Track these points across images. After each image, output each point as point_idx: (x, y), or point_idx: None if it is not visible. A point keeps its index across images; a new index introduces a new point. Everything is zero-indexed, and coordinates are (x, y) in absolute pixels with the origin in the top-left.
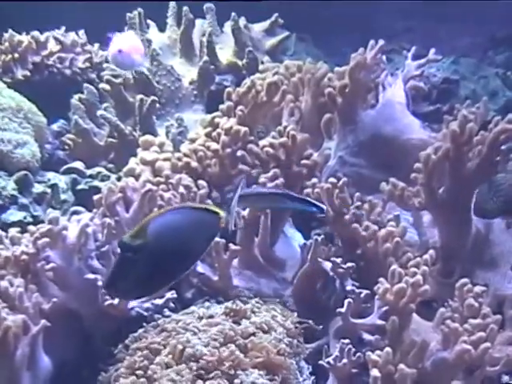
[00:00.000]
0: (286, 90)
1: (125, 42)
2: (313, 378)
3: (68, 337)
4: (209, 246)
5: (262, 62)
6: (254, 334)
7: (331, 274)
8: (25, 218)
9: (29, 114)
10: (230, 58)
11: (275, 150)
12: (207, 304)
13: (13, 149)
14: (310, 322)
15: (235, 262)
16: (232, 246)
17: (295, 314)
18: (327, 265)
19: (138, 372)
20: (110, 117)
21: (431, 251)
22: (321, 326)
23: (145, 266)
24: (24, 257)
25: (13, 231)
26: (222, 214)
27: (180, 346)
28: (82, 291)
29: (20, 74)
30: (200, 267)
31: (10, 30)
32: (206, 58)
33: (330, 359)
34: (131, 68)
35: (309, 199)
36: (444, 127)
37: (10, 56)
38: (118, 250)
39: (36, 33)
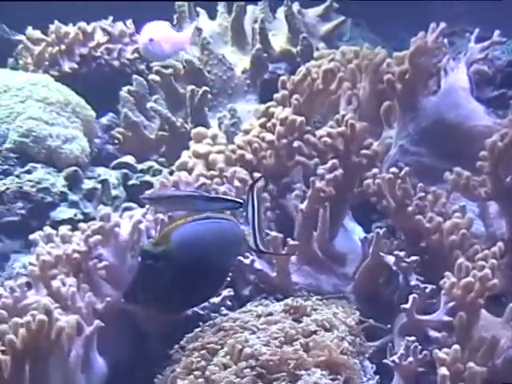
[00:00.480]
0: (343, 77)
1: (156, 30)
2: (377, 377)
3: (122, 337)
4: (238, 256)
5: (317, 49)
6: (315, 333)
7: (394, 268)
8: (75, 215)
9: (77, 108)
10: (283, 45)
11: (333, 139)
12: (265, 302)
13: (61, 144)
14: (371, 320)
15: (294, 257)
16: (290, 241)
17: (357, 311)
18: (390, 259)
19: (195, 373)
20: (161, 109)
21: (500, 243)
22: (388, 325)
23: (168, 276)
24: (76, 255)
25: (63, 229)
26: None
27: (238, 346)
28: None
29: (67, 66)
30: (257, 263)
31: (56, 22)
32: (258, 45)
33: (395, 358)
34: (163, 59)
35: (223, 197)
36: (510, 113)
37: (56, 48)
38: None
39: (83, 24)
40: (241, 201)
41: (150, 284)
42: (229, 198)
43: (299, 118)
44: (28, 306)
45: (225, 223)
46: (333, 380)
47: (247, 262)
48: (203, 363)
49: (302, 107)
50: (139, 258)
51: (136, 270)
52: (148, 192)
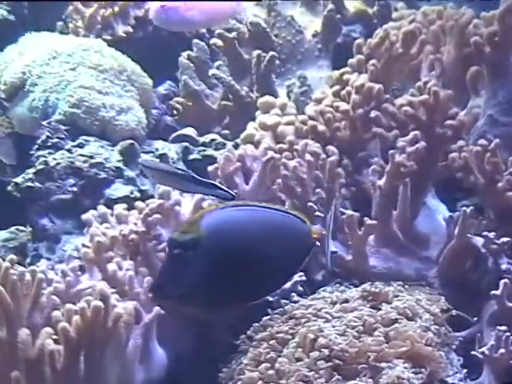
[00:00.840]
0: (425, 40)
1: None
2: (464, 371)
3: (184, 326)
4: (302, 263)
5: (396, 9)
6: (396, 321)
7: (483, 250)
8: (131, 192)
9: (132, 76)
10: (358, 5)
11: (414, 109)
12: (341, 287)
13: (116, 115)
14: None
15: (371, 238)
16: (367, 221)
17: (442, 298)
18: (478, 240)
19: (264, 365)
20: (224, 76)
21: None
22: (475, 318)
23: (200, 267)
24: (133, 236)
25: (119, 208)
26: (311, 225)
27: (311, 336)
28: None
29: (121, 30)
30: (331, 245)
31: None
32: (330, 5)
33: (485, 349)
34: (183, 28)
35: (216, 183)
36: None
37: (109, 11)
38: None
39: None
40: (233, 193)
41: (179, 277)
42: (220, 185)
43: (377, 86)
44: (82, 292)
45: (281, 216)
46: (416, 373)
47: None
48: (273, 354)
49: (379, 73)
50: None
51: (163, 262)
52: (145, 158)
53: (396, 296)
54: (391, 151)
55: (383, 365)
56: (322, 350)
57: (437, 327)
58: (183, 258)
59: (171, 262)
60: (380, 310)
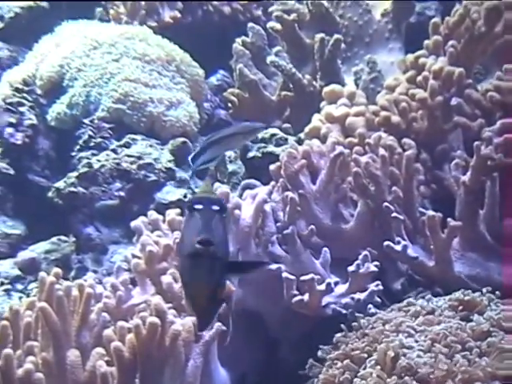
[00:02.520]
0: None
1: None
2: None
3: (248, 344)
4: None
5: None
6: (489, 334)
7: None
8: (185, 196)
9: (182, 66)
10: None
11: (502, 94)
12: (427, 296)
13: (165, 110)
14: None
15: (456, 242)
16: (451, 222)
17: None
18: None
19: None
20: (284, 63)
21: None
22: None
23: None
24: None
25: (172, 213)
26: None
27: (391, 353)
28: (262, 285)
29: (168, 15)
30: (411, 250)
31: None
32: None
33: None
34: None
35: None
36: None
37: None
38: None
39: None
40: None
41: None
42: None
43: (457, 70)
44: (134, 308)
45: None
46: None
47: (398, 248)
48: (348, 376)
49: (460, 56)
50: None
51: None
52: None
53: (488, 305)
54: (476, 143)
55: None
56: (405, 369)
57: None
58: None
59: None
60: (470, 321)
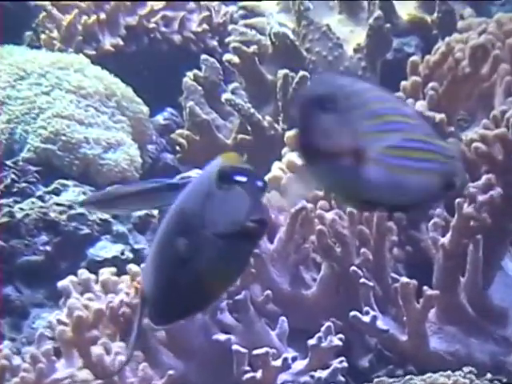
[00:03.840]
0: (500, 57)
1: None
2: None
3: None
4: None
5: (462, 17)
6: None
7: None
8: (122, 252)
9: (123, 102)
10: (413, 11)
11: (488, 145)
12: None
13: (102, 153)
14: None
15: (432, 313)
16: (428, 290)
17: None
18: None
19: None
20: (241, 102)
21: None
22: None
23: None
24: (124, 309)
25: (106, 272)
26: None
27: None
28: (208, 359)
29: (108, 42)
30: (380, 322)
31: None
32: (378, 12)
33: None
34: None
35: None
36: None
37: (93, 17)
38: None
39: None
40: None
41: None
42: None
43: (438, 116)
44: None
45: None
46: None
47: (366, 319)
48: None
49: (441, 100)
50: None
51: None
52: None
53: None
54: (458, 200)
55: None
56: None
57: None
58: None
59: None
60: None
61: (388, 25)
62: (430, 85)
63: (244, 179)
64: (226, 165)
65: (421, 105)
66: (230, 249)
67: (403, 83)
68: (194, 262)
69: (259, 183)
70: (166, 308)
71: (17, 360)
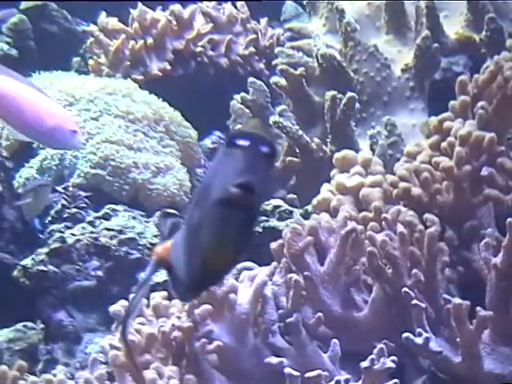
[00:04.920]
0: None
1: None
2: None
3: None
4: None
5: (511, 35)
6: None
7: None
8: None
9: (171, 126)
10: (461, 30)
11: None
12: None
13: (151, 177)
14: None
15: (486, 334)
16: (481, 311)
17: None
18: None
19: None
20: (289, 125)
21: None
22: None
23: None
24: (176, 334)
25: (157, 297)
26: None
27: None
28: (261, 382)
29: (156, 67)
30: (434, 343)
31: (140, 5)
32: (426, 32)
33: None
34: None
35: None
36: None
37: (140, 42)
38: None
39: (177, 7)
40: None
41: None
42: None
43: (488, 135)
44: None
45: None
46: None
47: (419, 340)
48: None
49: (491, 119)
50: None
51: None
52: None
53: None
54: (510, 219)
55: None
56: None
57: None
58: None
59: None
60: None
61: (436, 44)
62: (480, 104)
63: (246, 143)
64: (236, 130)
65: (470, 124)
66: (223, 217)
67: (452, 103)
68: (200, 232)
69: (263, 149)
70: (189, 281)
71: None
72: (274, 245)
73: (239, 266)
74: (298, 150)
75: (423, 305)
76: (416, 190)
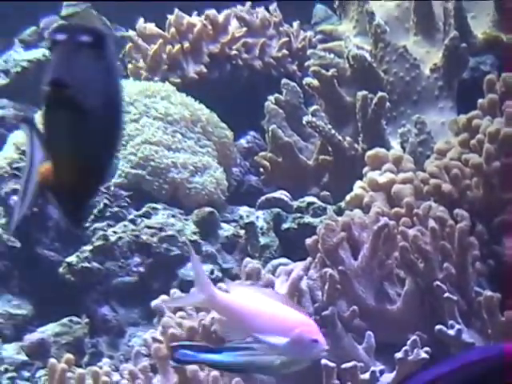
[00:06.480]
0: None
1: None
2: None
3: None
4: None
5: None
6: None
7: None
8: (212, 272)
9: (208, 127)
10: (488, 30)
11: None
12: None
13: (189, 177)
14: None
15: None
16: None
17: None
18: None
19: None
20: (321, 124)
21: None
22: None
23: None
24: (216, 327)
25: None
26: None
27: None
28: (298, 373)
29: (193, 70)
30: (466, 335)
31: (177, 10)
32: (454, 32)
33: None
34: None
35: None
36: None
37: (178, 46)
38: None
39: (212, 12)
40: None
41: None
42: None
43: None
44: None
45: None
46: None
47: (452, 332)
48: None
49: None
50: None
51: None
52: None
53: None
54: None
55: None
56: None
57: None
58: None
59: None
60: None
61: (464, 44)
62: (508, 102)
63: (62, 37)
64: (57, 25)
65: (499, 122)
66: (49, 120)
67: (480, 101)
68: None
69: (83, 38)
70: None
71: (116, 376)
72: (308, 241)
73: (275, 262)
74: (330, 149)
75: (455, 297)
76: (446, 187)
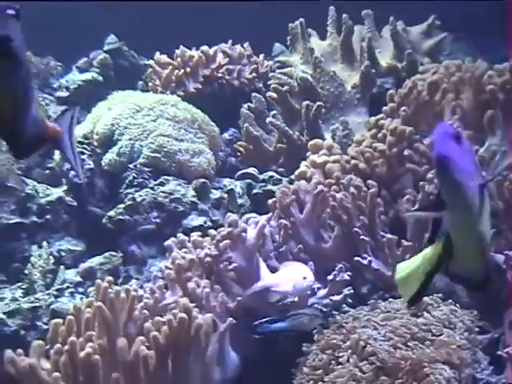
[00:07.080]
0: (447, 89)
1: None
2: (491, 368)
3: (251, 335)
4: None
5: (422, 64)
6: (435, 329)
7: (503, 266)
8: (205, 222)
9: (203, 125)
10: (389, 61)
11: None
12: (390, 299)
13: (190, 158)
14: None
15: (407, 257)
16: (404, 242)
17: (471, 309)
18: (500, 257)
19: (320, 370)
20: (279, 123)
21: None
22: None
23: None
24: (208, 259)
25: (195, 235)
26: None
27: (362, 343)
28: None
29: (192, 86)
30: (374, 263)
31: (182, 47)
32: (367, 62)
33: (509, 349)
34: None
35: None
36: None
37: (182, 71)
38: None
39: (205, 47)
40: None
41: None
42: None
43: (408, 128)
44: (167, 306)
45: None
46: (454, 373)
47: (365, 262)
48: (328, 360)
49: (409, 118)
50: None
51: None
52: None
53: (434, 306)
54: (422, 183)
55: (425, 365)
56: (371, 354)
57: (468, 333)
58: None
59: None
60: (421, 318)
61: (373, 70)
62: (402, 108)
63: None
64: None
65: (396, 122)
66: None
67: (384, 108)
68: None
69: (10, 11)
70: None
71: (141, 292)
72: (270, 201)
73: (248, 215)
74: (285, 140)
75: (367, 239)
76: (362, 165)
